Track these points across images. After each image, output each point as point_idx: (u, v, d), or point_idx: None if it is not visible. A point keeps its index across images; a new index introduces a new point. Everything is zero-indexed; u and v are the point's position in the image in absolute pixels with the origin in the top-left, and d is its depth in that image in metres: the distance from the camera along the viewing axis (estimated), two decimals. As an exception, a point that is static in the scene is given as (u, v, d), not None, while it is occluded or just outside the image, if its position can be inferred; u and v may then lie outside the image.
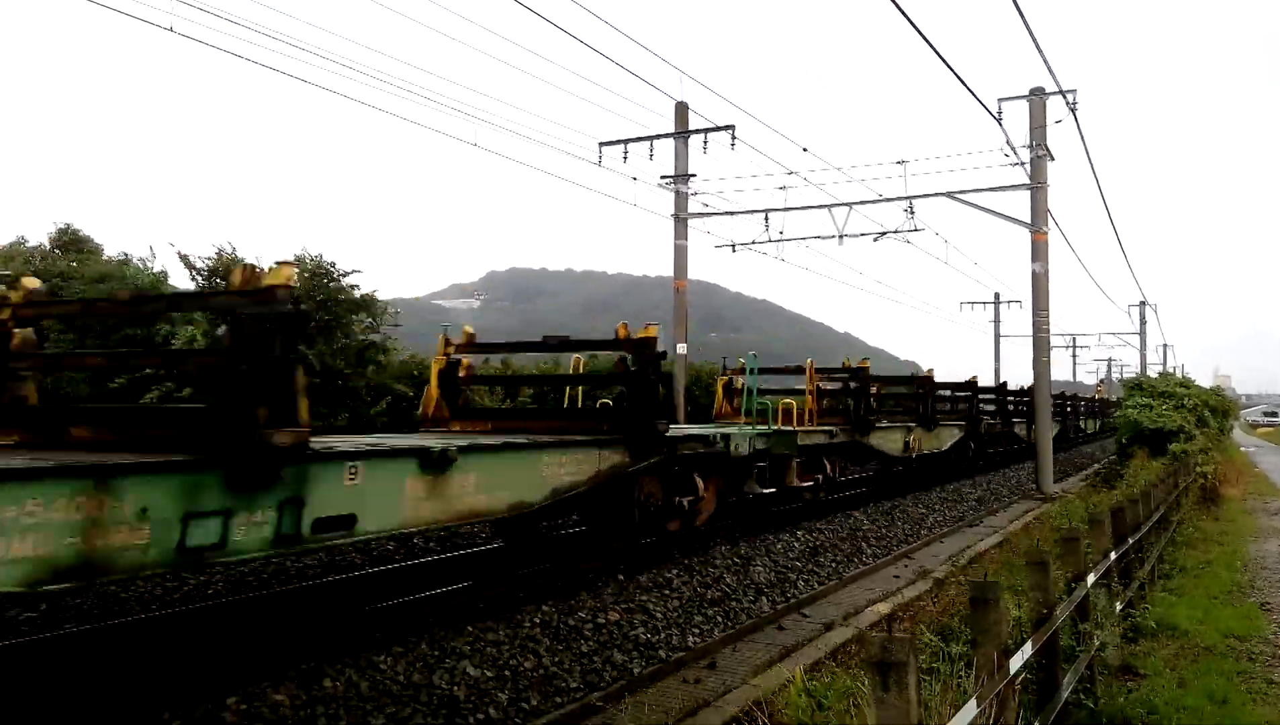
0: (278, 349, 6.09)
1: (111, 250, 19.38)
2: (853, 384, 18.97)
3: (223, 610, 8.85)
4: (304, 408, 6.19)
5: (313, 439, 6.59)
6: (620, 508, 11.16)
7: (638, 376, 11.10)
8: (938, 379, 24.57)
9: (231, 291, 6.65)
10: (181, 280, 18.94)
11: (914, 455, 21.92)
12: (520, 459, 8.96)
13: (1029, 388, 28.63)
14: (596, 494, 10.29)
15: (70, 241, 18.73)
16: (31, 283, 7.61)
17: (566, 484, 9.52)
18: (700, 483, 12.59)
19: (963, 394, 27.52)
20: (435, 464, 7.59)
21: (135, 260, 18.48)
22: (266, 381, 6.00)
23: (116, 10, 11.75)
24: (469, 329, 12.74)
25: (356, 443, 7.78)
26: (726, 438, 12.99)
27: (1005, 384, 34.44)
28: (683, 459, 11.96)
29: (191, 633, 8.00)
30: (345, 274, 20.64)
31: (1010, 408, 31.85)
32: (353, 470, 6.85)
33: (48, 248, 18.48)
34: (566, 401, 13.96)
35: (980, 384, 28.91)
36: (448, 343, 12.28)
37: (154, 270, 18.21)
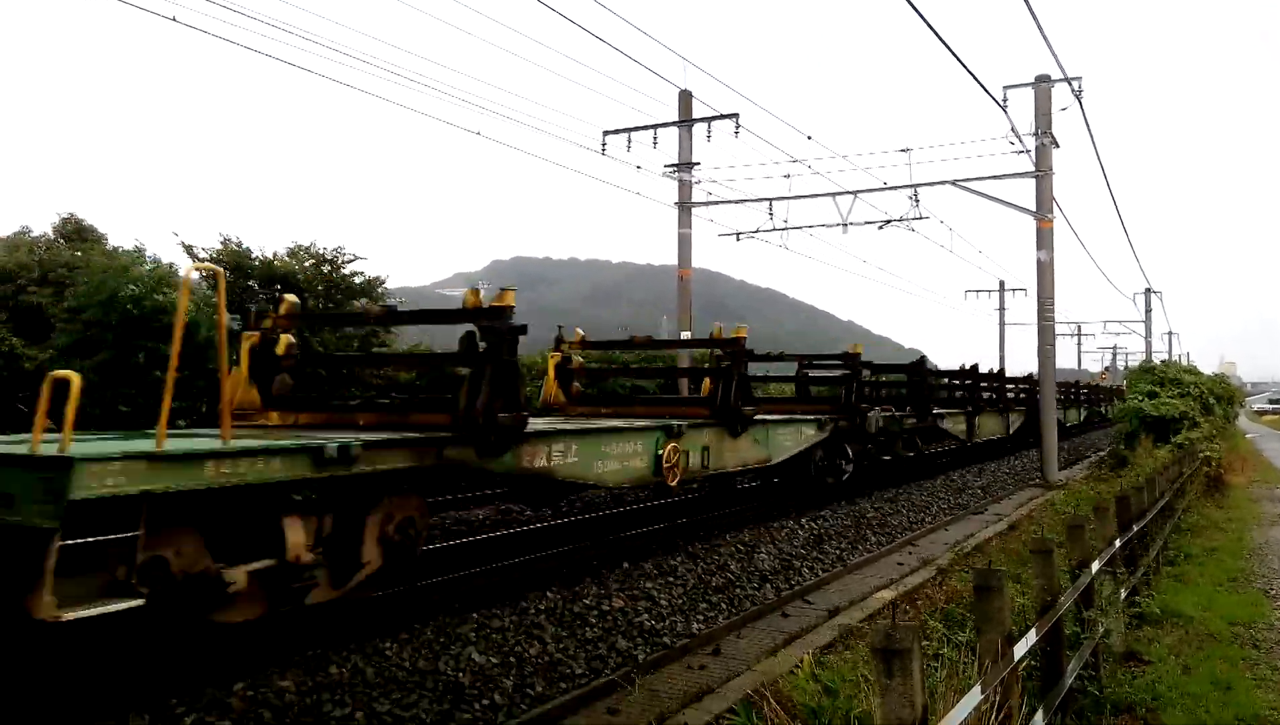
0: (506, 354, 8.31)
1: (116, 240, 19.43)
2: (912, 377, 22.96)
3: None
4: (521, 397, 8.48)
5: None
6: (804, 467, 16.25)
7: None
8: (942, 368, 26.78)
9: (473, 310, 8.63)
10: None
11: (977, 439, 25.95)
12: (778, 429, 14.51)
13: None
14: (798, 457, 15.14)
15: (74, 231, 18.74)
16: (291, 298, 9.89)
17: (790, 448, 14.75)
18: (849, 450, 17.44)
19: (1013, 385, 31.82)
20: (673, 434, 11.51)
21: (148, 254, 18.50)
22: (500, 379, 8.26)
23: (121, 0, 11.72)
24: (581, 331, 15.07)
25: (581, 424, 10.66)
26: (865, 417, 17.56)
27: (1031, 375, 36.11)
28: (840, 432, 16.67)
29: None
30: (349, 261, 20.62)
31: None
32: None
33: (52, 237, 18.49)
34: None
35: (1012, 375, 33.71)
36: (561, 341, 14.69)
37: (158, 261, 18.21)
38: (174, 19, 12.23)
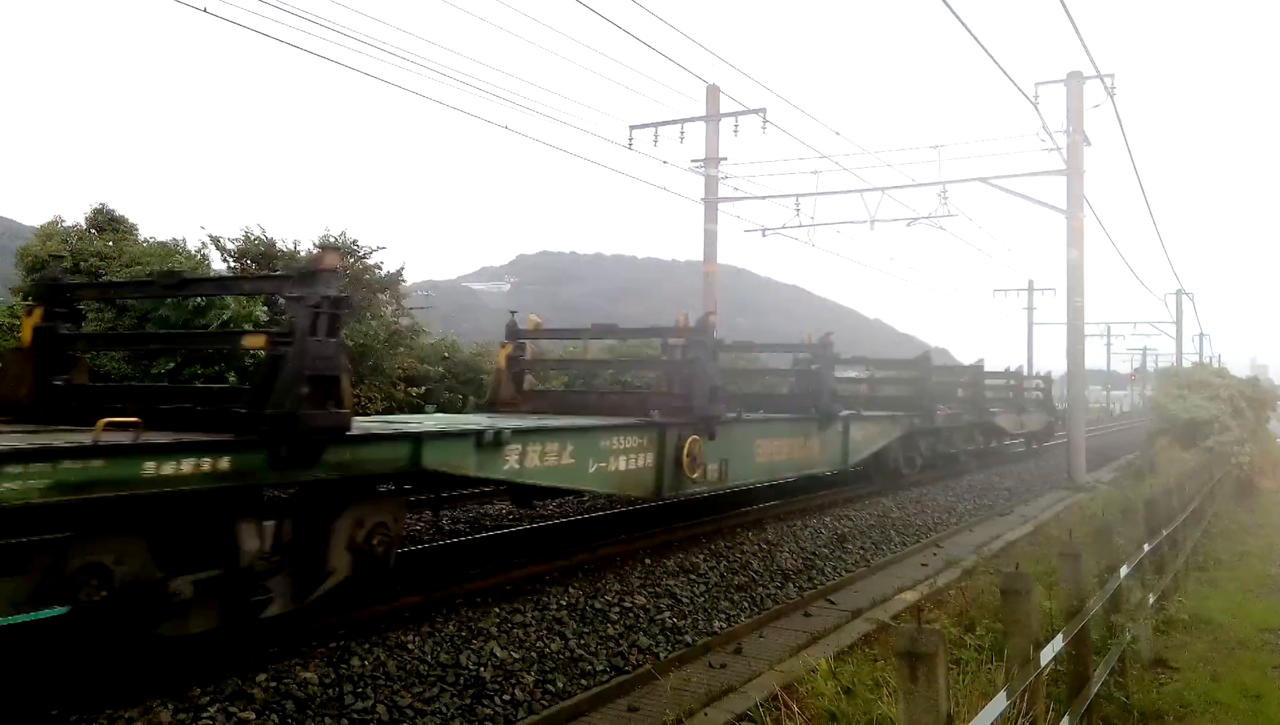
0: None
1: (146, 231, 19.59)
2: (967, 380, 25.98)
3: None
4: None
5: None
6: (885, 460, 18.83)
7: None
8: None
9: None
10: (214, 262, 19.12)
11: (1021, 432, 29.13)
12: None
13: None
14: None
15: (106, 222, 18.92)
16: (534, 318, 12.24)
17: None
18: (921, 445, 19.86)
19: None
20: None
21: (181, 244, 18.67)
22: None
23: (151, -9, 11.82)
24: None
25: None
26: (933, 415, 19.92)
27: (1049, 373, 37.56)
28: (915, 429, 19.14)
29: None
30: (370, 252, 20.70)
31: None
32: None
33: (84, 227, 18.68)
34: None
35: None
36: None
37: (191, 251, 18.37)
38: (205, 10, 12.29)
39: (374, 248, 20.90)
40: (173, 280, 8.52)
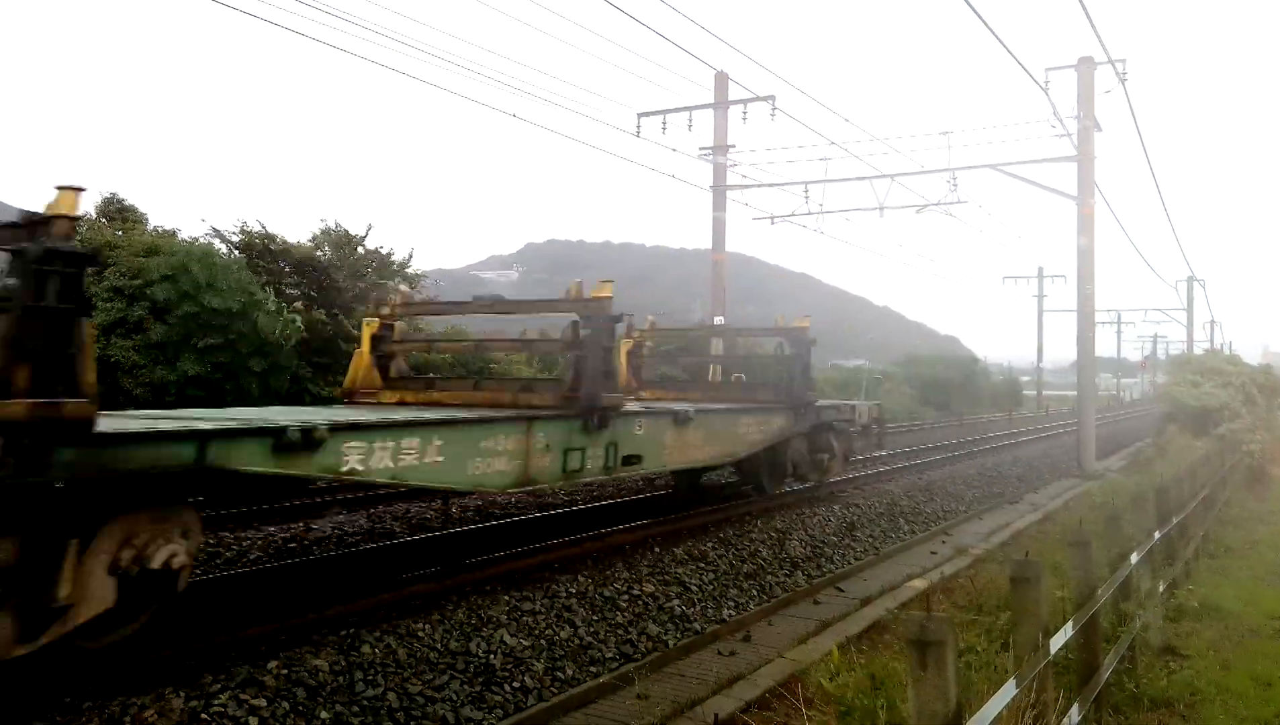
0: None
1: (155, 220, 19.61)
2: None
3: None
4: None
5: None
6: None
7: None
8: (979, 356, 25.70)
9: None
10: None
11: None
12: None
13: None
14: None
15: (116, 211, 18.96)
16: (405, 290, 11.84)
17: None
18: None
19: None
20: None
21: (183, 235, 18.74)
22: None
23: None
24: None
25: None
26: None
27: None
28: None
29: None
30: (363, 238, 20.65)
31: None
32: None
33: (94, 217, 18.72)
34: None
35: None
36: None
37: (199, 241, 18.42)
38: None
39: (364, 233, 20.68)
40: (487, 302, 10.81)
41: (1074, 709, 5.40)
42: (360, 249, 20.62)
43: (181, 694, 5.90)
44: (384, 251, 21.26)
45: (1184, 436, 25.01)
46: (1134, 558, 7.49)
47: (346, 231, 20.39)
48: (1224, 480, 16.64)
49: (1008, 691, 4.18)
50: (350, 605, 7.80)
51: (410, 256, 21.95)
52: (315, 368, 18.24)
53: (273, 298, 17.26)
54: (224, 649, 6.75)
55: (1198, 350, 56.19)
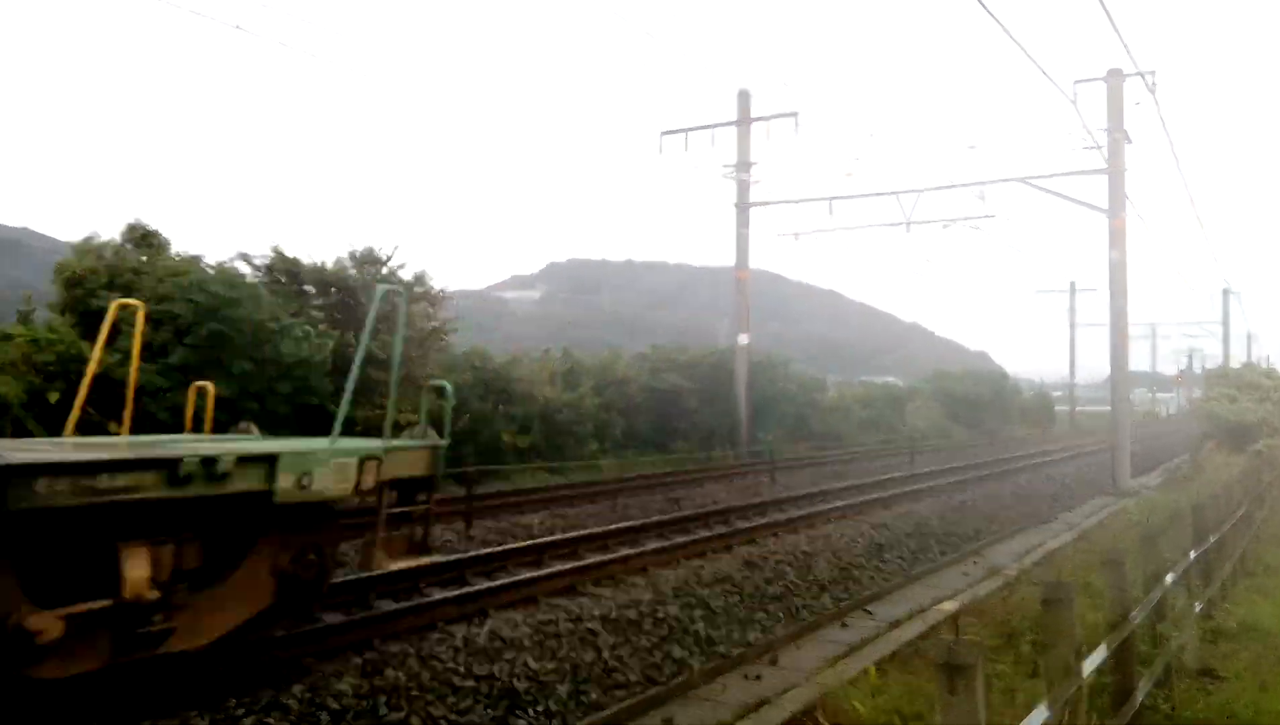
0: None
1: (178, 246, 19.81)
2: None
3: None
4: None
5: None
6: None
7: None
8: (1009, 372, 25.18)
9: None
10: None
11: None
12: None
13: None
14: None
15: (140, 238, 19.18)
16: None
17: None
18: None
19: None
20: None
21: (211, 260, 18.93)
22: None
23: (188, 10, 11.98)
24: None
25: None
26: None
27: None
28: None
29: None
30: (389, 257, 20.66)
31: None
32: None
33: (119, 243, 18.95)
34: None
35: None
36: None
37: (227, 266, 18.59)
38: (238, 27, 12.47)
39: (390, 253, 20.66)
40: None
41: (1108, 734, 5.26)
42: (384, 269, 20.62)
43: (206, 718, 5.90)
44: (399, 267, 21.13)
45: (1221, 453, 24.59)
46: (1169, 578, 7.32)
47: (372, 251, 20.43)
48: (1262, 497, 16.31)
49: (1039, 715, 4.07)
50: (374, 627, 7.78)
51: (423, 275, 21.72)
52: (340, 391, 18.35)
53: (299, 323, 17.35)
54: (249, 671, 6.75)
55: (1234, 364, 55.35)
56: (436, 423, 8.77)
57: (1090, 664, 5.02)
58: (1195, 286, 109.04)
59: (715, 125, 26.43)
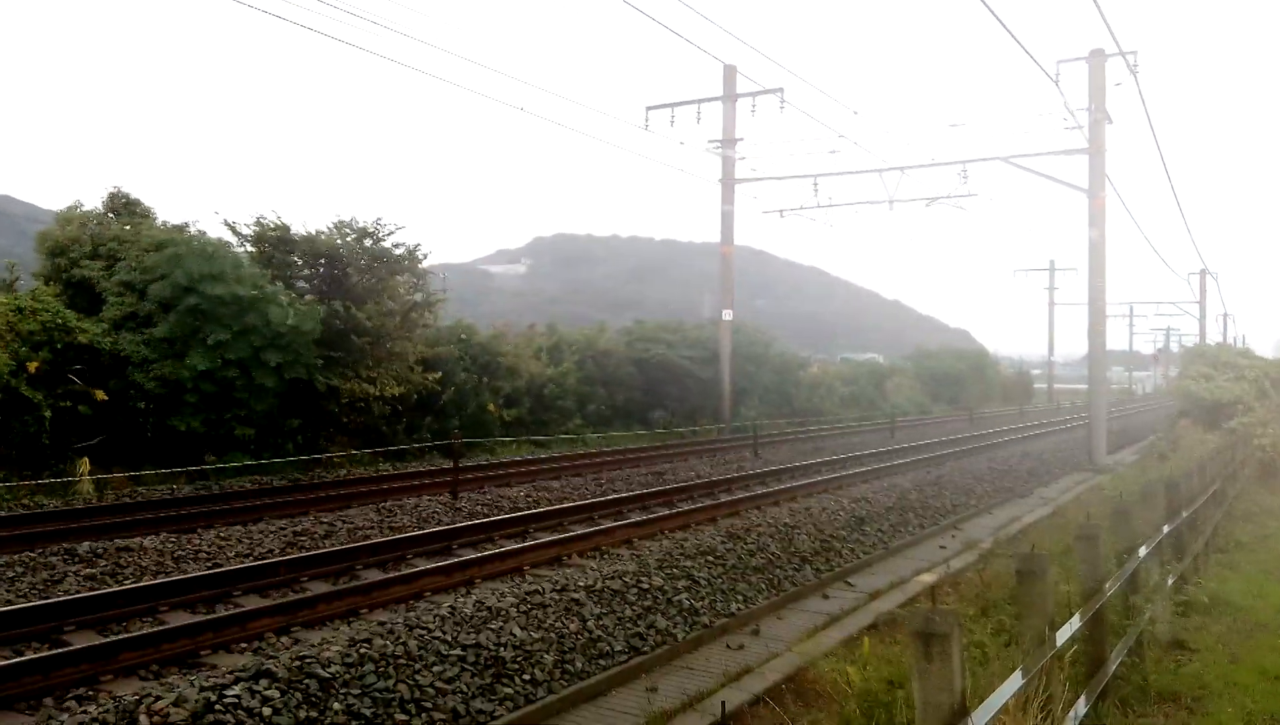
0: None
1: (162, 215, 19.65)
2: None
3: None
4: None
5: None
6: None
7: None
8: (990, 349, 25.64)
9: None
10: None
11: None
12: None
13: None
14: None
15: (123, 206, 19.03)
16: None
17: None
18: None
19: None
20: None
21: (195, 227, 18.75)
22: None
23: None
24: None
25: None
26: None
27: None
28: None
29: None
30: (390, 232, 20.52)
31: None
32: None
33: (102, 212, 18.80)
34: None
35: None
36: None
37: (210, 236, 18.42)
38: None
39: (391, 230, 20.60)
40: None
41: (1080, 701, 5.42)
42: (370, 241, 20.42)
43: (195, 684, 5.97)
44: (388, 241, 21.00)
45: (1196, 430, 24.90)
46: (1142, 551, 7.49)
47: (365, 227, 20.27)
48: (1235, 474, 16.59)
49: (1014, 683, 4.21)
50: (363, 595, 7.87)
51: (417, 249, 21.62)
52: (327, 361, 18.29)
53: (283, 290, 17.24)
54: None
55: (1210, 343, 55.91)
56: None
57: (1064, 634, 5.16)
58: (1173, 267, 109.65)
59: (701, 100, 26.39)
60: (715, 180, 27.91)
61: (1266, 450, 21.83)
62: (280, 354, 16.62)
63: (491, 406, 22.55)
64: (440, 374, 20.82)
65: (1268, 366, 30.29)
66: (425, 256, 21.28)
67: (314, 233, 19.83)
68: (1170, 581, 8.55)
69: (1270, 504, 16.84)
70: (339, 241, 19.72)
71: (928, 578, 10.42)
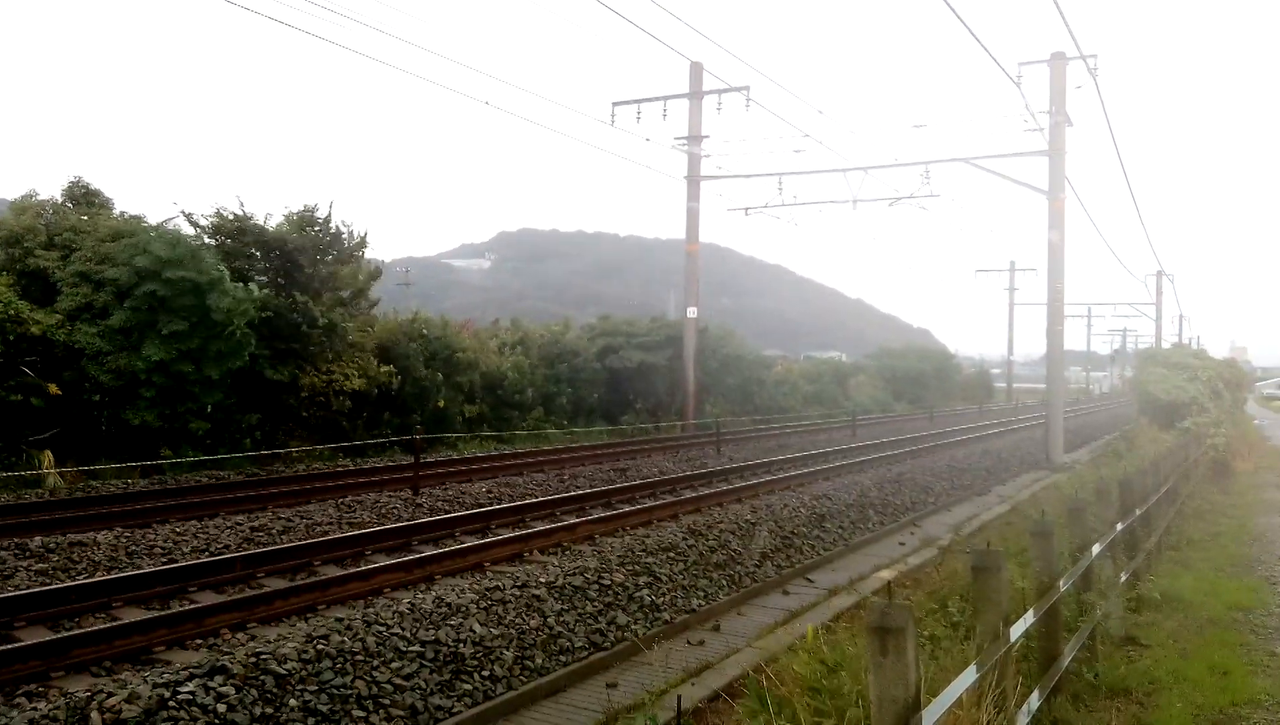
0: None
1: (121, 205, 19.29)
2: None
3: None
4: None
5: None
6: None
7: None
8: (952, 349, 25.96)
9: None
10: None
11: None
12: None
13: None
14: None
15: (82, 196, 18.67)
16: None
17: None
18: None
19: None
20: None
21: (150, 219, 18.43)
22: None
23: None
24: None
25: None
26: None
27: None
28: None
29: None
30: (327, 219, 20.27)
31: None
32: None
33: (59, 201, 18.42)
34: None
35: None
36: None
37: (170, 227, 18.10)
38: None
39: (327, 214, 20.21)
40: None
41: (1034, 695, 5.49)
42: (316, 229, 20.14)
43: (149, 681, 5.88)
44: (341, 230, 20.78)
45: (1152, 429, 25.36)
46: (1096, 548, 7.60)
47: (310, 212, 20.02)
48: (1188, 473, 16.91)
49: (968, 677, 4.25)
50: (319, 591, 7.79)
51: (365, 237, 21.39)
52: (276, 353, 18.05)
53: (228, 276, 16.88)
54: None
55: (1166, 344, 56.94)
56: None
57: (1018, 629, 5.23)
58: (1130, 269, 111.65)
59: (668, 97, 26.39)
60: (681, 177, 27.96)
61: (1219, 449, 22.30)
62: (222, 343, 16.34)
63: (446, 401, 22.40)
64: (392, 367, 20.64)
65: (1220, 367, 30.91)
66: (367, 243, 21.24)
67: (266, 219, 19.62)
68: (1123, 578, 8.70)
69: (1222, 502, 17.20)
70: (286, 231, 19.47)
71: (886, 574, 10.51)
